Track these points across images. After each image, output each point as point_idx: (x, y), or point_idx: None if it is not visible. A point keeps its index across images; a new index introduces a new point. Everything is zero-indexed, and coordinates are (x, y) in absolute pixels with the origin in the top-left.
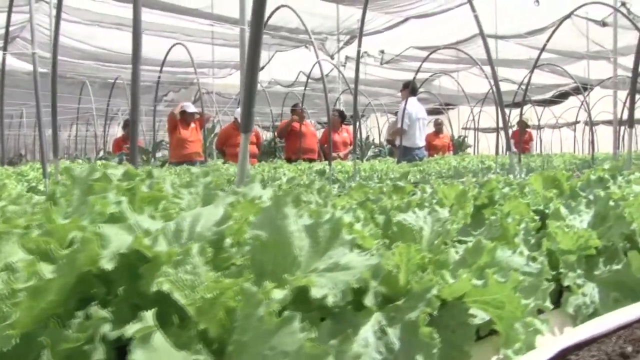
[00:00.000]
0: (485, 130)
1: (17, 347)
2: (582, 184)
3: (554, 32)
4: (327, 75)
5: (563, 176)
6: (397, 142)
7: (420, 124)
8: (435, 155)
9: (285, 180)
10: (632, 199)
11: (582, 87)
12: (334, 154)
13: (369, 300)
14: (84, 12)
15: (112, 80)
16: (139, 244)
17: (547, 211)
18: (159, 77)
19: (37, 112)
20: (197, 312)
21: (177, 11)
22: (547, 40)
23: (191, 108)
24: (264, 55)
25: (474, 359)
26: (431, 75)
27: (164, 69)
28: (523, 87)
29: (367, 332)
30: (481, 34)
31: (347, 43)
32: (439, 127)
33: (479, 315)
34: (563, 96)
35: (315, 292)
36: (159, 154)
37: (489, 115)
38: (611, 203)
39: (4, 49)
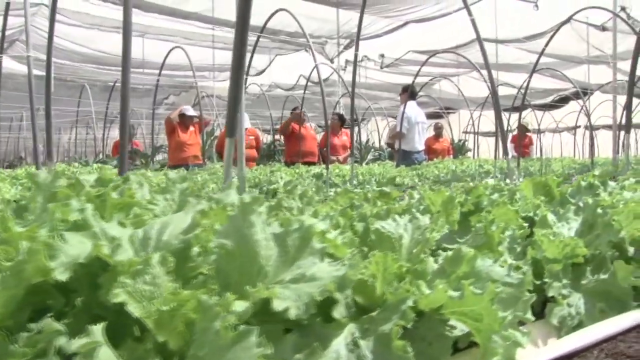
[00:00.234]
0: (486, 135)
1: None
2: (573, 190)
3: (552, 36)
4: (327, 79)
5: (554, 182)
6: (397, 146)
7: (420, 127)
8: (435, 159)
9: (282, 184)
10: (622, 206)
11: (583, 92)
12: (333, 158)
13: (338, 313)
14: (84, 16)
15: (112, 84)
16: (98, 252)
17: (536, 218)
18: (158, 81)
19: (32, 115)
20: (155, 324)
21: (177, 15)
22: (546, 45)
23: (190, 111)
24: (264, 59)
25: None
26: (431, 79)
27: (165, 72)
28: (523, 91)
29: (338, 344)
30: (478, 38)
31: (347, 47)
32: (438, 131)
33: (459, 327)
34: (563, 101)
35: (277, 305)
36: (159, 157)
37: (489, 120)
38: (599, 210)
39: (0, 51)
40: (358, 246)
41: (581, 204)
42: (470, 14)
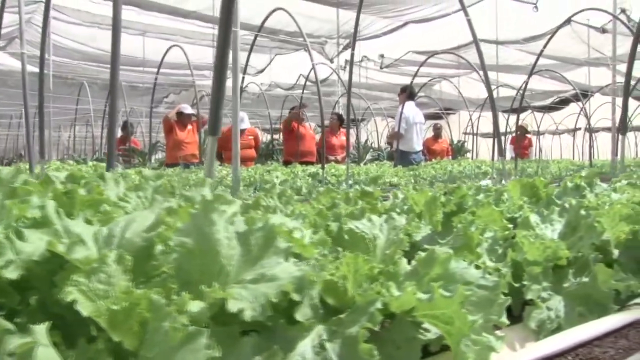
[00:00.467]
0: (485, 136)
1: None
2: (559, 191)
3: (551, 37)
4: (326, 79)
5: (541, 183)
6: (395, 146)
7: (418, 128)
8: (433, 159)
9: (278, 183)
10: (607, 208)
11: (582, 94)
12: (332, 157)
13: (301, 314)
14: (84, 14)
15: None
16: (53, 249)
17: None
18: (156, 79)
19: (25, 113)
20: (109, 324)
21: (177, 14)
22: (544, 46)
23: (188, 109)
24: (264, 58)
25: None
26: (430, 80)
27: (165, 71)
28: (522, 92)
29: (305, 347)
30: (474, 38)
31: (347, 47)
32: (437, 131)
33: (434, 330)
34: (564, 102)
35: (232, 306)
36: (159, 156)
37: (488, 121)
38: (582, 212)
39: None
40: (331, 246)
41: (566, 205)
42: (466, 14)
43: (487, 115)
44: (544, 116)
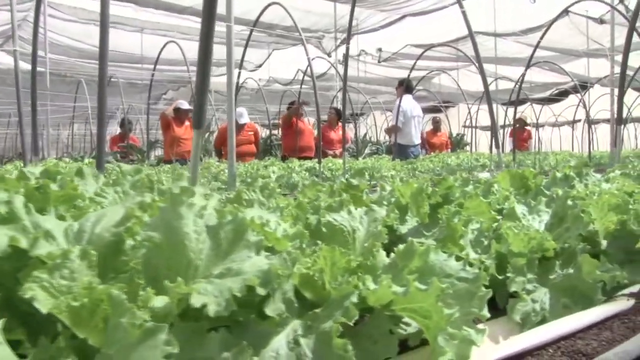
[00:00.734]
0: (485, 128)
1: None
2: (548, 182)
3: (548, 28)
4: (324, 73)
5: (531, 174)
6: (393, 140)
7: (416, 121)
8: (432, 153)
9: (274, 178)
10: (595, 198)
11: (582, 85)
12: (331, 152)
13: (272, 309)
14: (79, 11)
15: (109, 79)
16: (16, 246)
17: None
18: (153, 75)
19: (19, 111)
20: (72, 320)
21: (172, 9)
22: (541, 38)
23: (185, 105)
24: (262, 54)
25: None
26: (428, 73)
27: (163, 67)
28: (520, 85)
29: (279, 342)
30: (469, 30)
31: (345, 41)
32: (437, 125)
33: (414, 324)
34: (563, 94)
35: (195, 301)
36: (159, 153)
37: (487, 113)
38: (569, 202)
39: None
40: (310, 239)
41: (554, 196)
42: (461, 6)
43: (486, 108)
44: (544, 108)
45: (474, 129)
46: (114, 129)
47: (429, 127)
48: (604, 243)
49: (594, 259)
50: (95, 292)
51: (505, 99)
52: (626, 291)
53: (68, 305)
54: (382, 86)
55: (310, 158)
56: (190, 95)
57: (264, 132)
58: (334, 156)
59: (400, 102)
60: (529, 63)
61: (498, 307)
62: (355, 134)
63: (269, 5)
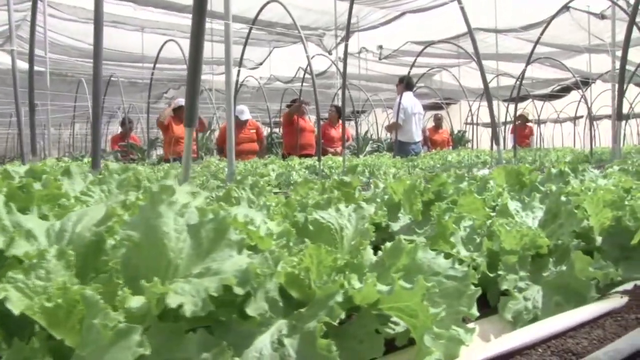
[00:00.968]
0: (486, 125)
1: None
2: (543, 178)
3: (548, 24)
4: (325, 71)
5: (526, 170)
6: (394, 137)
7: (416, 118)
8: (434, 150)
9: (274, 176)
10: (590, 194)
11: (583, 81)
12: (331, 149)
13: (254, 309)
14: (79, 10)
15: (110, 79)
16: None
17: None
18: (152, 74)
19: (17, 111)
20: (48, 321)
21: (172, 8)
22: (541, 33)
23: (183, 102)
24: (262, 51)
25: None
26: (428, 70)
27: (164, 66)
28: (523, 81)
29: (263, 342)
30: (467, 26)
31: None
32: (438, 122)
33: (402, 324)
34: (565, 90)
35: (171, 301)
36: (160, 152)
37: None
38: (563, 199)
39: None
40: (297, 237)
41: (548, 192)
42: (460, 1)
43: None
44: (546, 104)
45: (475, 126)
46: (115, 129)
47: (430, 124)
48: (598, 239)
49: (588, 255)
50: (69, 292)
51: (507, 95)
52: (620, 288)
53: (41, 307)
54: (383, 83)
55: (311, 156)
56: None
57: (264, 130)
58: (335, 154)
59: (400, 99)
60: (529, 59)
61: (490, 305)
62: (356, 131)
63: (268, 2)
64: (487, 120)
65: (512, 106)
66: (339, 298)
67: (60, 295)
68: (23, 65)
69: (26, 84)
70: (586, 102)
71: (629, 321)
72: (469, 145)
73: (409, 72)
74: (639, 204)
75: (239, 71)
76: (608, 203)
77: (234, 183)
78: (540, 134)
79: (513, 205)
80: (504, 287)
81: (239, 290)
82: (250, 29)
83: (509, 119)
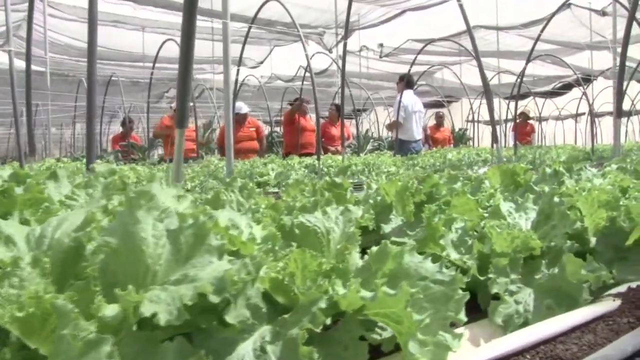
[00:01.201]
0: (488, 123)
1: None
2: (537, 178)
3: (548, 21)
4: (326, 69)
5: (521, 169)
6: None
7: (417, 117)
8: (435, 148)
9: (273, 175)
10: (585, 194)
11: (585, 78)
12: (332, 148)
13: (234, 317)
14: (79, 10)
15: (110, 78)
16: None
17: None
18: (152, 74)
19: (14, 111)
20: (21, 331)
21: (171, 7)
22: (542, 30)
23: None
24: (262, 50)
25: None
26: (429, 68)
27: (165, 65)
28: (525, 78)
29: (245, 349)
30: (466, 23)
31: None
32: (440, 120)
33: (389, 329)
34: (567, 87)
35: (145, 310)
36: (161, 151)
37: None
38: (556, 199)
39: None
40: (283, 241)
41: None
42: None
43: None
44: (547, 102)
45: (476, 124)
46: (116, 128)
47: (432, 122)
48: (593, 240)
49: (582, 257)
50: (42, 301)
51: (508, 92)
52: (614, 291)
53: (12, 316)
54: (384, 81)
55: (311, 155)
56: (194, 92)
57: (265, 129)
58: (335, 152)
59: (401, 97)
60: (529, 56)
61: (481, 308)
62: (357, 130)
63: (267, 1)
64: (487, 118)
65: (513, 104)
66: (323, 304)
67: (32, 304)
68: (24, 65)
69: (24, 85)
70: (587, 99)
71: (621, 325)
72: (470, 143)
73: (409, 70)
74: (634, 204)
75: (238, 70)
76: (603, 203)
77: (222, 185)
78: (542, 131)
79: (506, 206)
80: (494, 290)
81: (214, 299)
82: (249, 28)
83: (510, 117)
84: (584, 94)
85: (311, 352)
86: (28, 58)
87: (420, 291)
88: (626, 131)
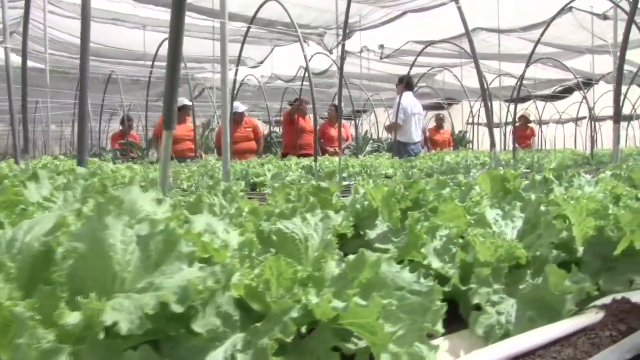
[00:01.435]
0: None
1: None
2: (527, 185)
3: (549, 24)
4: (327, 70)
5: (512, 176)
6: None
7: (416, 119)
8: (435, 150)
9: (270, 176)
10: (573, 203)
11: (586, 82)
12: (331, 149)
13: (202, 325)
14: (79, 8)
15: (110, 76)
16: None
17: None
18: (151, 73)
19: (10, 109)
20: None
21: (170, 6)
22: (542, 34)
23: (186, 101)
24: (263, 50)
25: None
26: (430, 70)
27: (165, 64)
28: (526, 82)
29: (215, 358)
30: (465, 26)
31: (347, 37)
32: (440, 122)
33: (365, 340)
34: (568, 91)
35: (107, 318)
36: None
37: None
38: (542, 209)
39: None
40: (261, 248)
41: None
42: (457, 1)
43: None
44: (548, 105)
45: (476, 127)
46: (116, 126)
47: (432, 124)
48: (581, 250)
49: (569, 267)
50: (2, 309)
51: (509, 95)
52: (599, 302)
53: None
54: (384, 83)
55: (310, 156)
56: (193, 91)
57: (264, 130)
58: (334, 154)
59: (400, 99)
60: (529, 60)
61: (463, 319)
62: (356, 131)
63: (267, 1)
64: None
65: (514, 107)
66: (295, 314)
67: None
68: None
69: (29, 82)
70: (588, 104)
71: (602, 339)
72: (470, 146)
73: (409, 72)
74: (623, 213)
75: (237, 70)
76: (591, 212)
77: (205, 189)
78: (542, 135)
79: (492, 214)
80: (476, 301)
81: (177, 308)
82: (249, 28)
83: (510, 120)
84: (585, 98)
85: None
86: (24, 54)
87: (396, 302)
88: (627, 136)
